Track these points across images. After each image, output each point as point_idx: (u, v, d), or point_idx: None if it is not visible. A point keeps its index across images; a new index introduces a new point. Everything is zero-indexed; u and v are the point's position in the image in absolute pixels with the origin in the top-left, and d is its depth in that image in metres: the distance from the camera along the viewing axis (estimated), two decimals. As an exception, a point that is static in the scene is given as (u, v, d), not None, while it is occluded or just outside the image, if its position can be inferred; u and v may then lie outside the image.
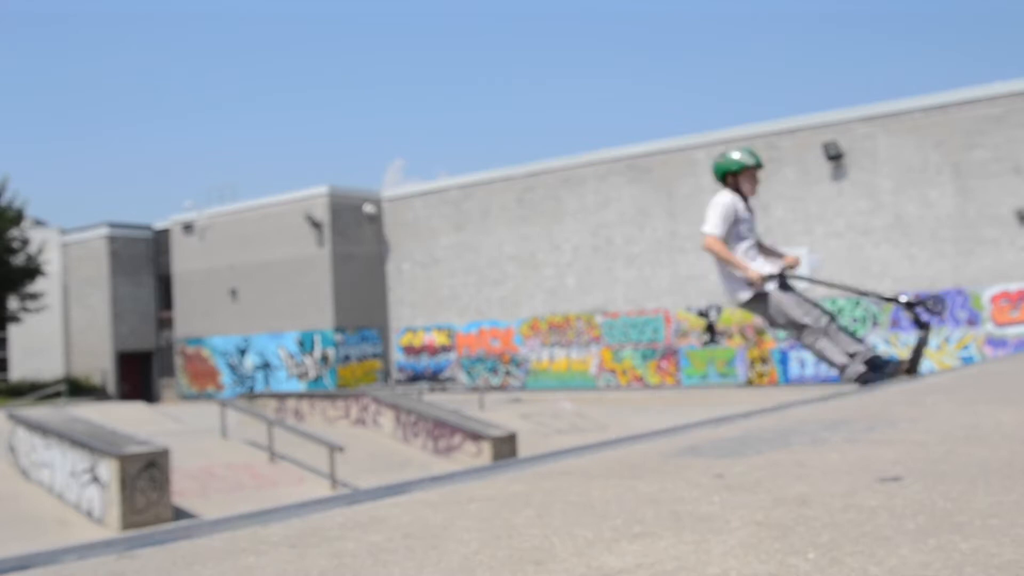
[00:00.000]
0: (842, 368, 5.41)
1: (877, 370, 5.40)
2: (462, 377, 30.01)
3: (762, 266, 5.71)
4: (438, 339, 30.88)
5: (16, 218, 33.34)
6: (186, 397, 34.37)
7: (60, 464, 11.93)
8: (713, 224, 5.61)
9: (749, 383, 24.88)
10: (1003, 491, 1.73)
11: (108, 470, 10.84)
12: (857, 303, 23.61)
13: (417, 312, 31.38)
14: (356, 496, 2.29)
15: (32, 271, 33.48)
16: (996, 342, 21.85)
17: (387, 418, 16.80)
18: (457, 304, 30.45)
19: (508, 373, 29.24)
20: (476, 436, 14.90)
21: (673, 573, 1.25)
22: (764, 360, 24.86)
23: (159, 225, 37.44)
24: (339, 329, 30.85)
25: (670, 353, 26.35)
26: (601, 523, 1.61)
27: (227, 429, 15.62)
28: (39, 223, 37.87)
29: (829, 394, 4.92)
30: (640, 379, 26.77)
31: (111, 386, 36.12)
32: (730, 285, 5.76)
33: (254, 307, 32.78)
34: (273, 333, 32.31)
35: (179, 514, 11.02)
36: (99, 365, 36.46)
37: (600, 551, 1.40)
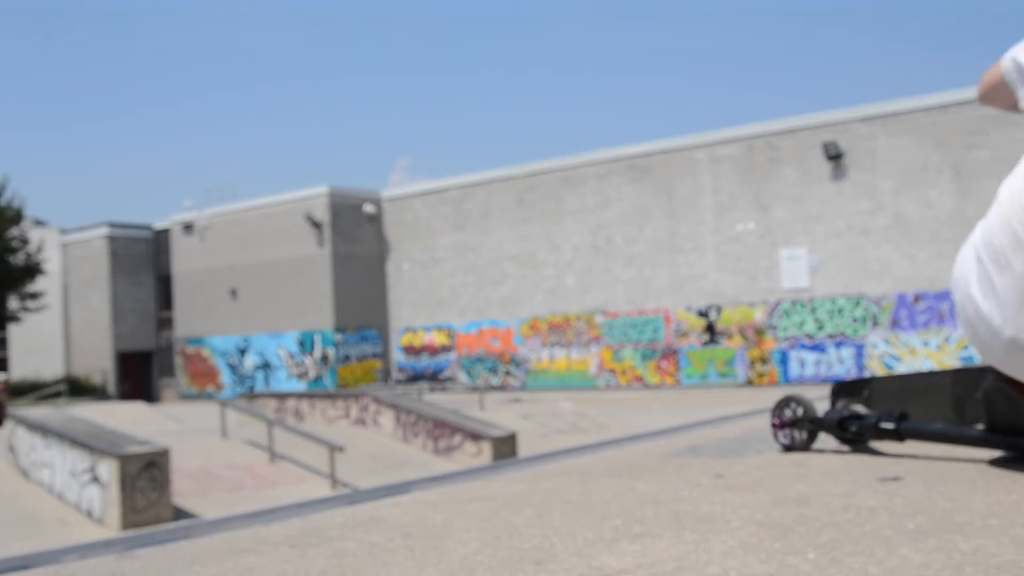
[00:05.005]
0: None
1: None
2: (462, 377, 30.01)
3: None
4: (438, 339, 30.88)
5: (15, 217, 33.34)
6: (186, 397, 34.37)
7: (60, 464, 11.93)
8: None
9: (749, 383, 24.88)
10: (1003, 491, 1.73)
11: (108, 470, 10.84)
12: (857, 303, 23.61)
13: (417, 312, 31.38)
14: (356, 496, 2.29)
15: (32, 270, 33.47)
16: (996, 342, 21.82)
17: (387, 418, 16.79)
18: (457, 304, 30.45)
19: (508, 373, 29.24)
20: (476, 436, 14.90)
21: (673, 573, 1.25)
22: (764, 360, 24.85)
23: (159, 225, 37.44)
24: (339, 329, 30.84)
25: (670, 353, 26.35)
26: (601, 523, 1.61)
27: (227, 429, 15.61)
28: (39, 223, 37.88)
29: (829, 394, 4.91)
30: (640, 379, 26.76)
31: (111, 386, 36.11)
32: None
33: (254, 307, 32.78)
34: (273, 333, 32.31)
35: (179, 514, 11.01)
36: (99, 365, 36.45)
37: (600, 551, 1.40)
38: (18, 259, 33.20)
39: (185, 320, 35.02)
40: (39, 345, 38.24)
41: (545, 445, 13.54)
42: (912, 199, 22.93)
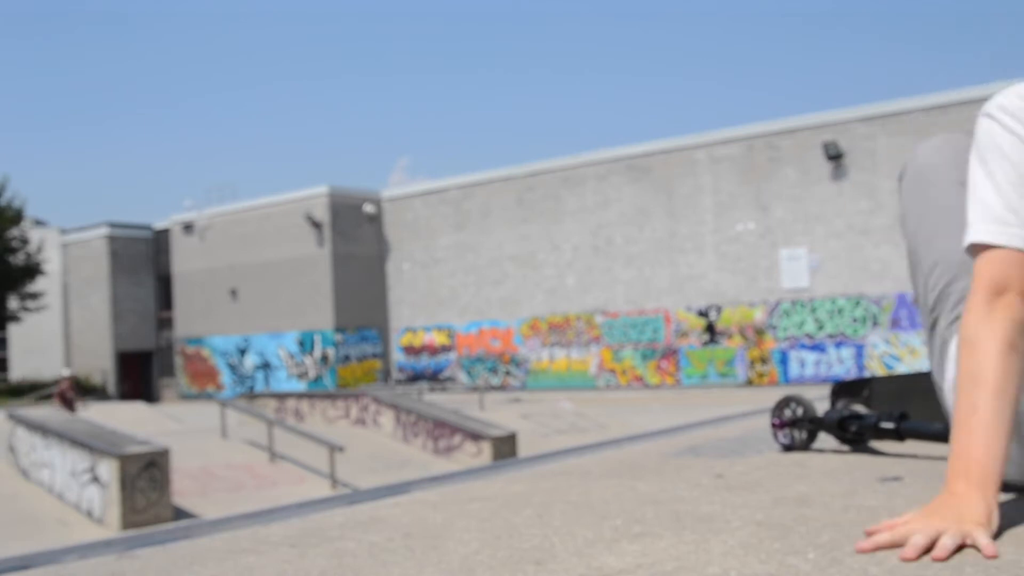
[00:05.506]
0: None
1: None
2: (462, 377, 30.01)
3: None
4: (438, 339, 30.87)
5: (16, 218, 33.36)
6: (186, 397, 34.37)
7: (60, 464, 11.93)
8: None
9: (749, 383, 24.88)
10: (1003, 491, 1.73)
11: (108, 470, 10.85)
12: (857, 303, 23.60)
13: (417, 312, 31.38)
14: (356, 496, 2.29)
15: (32, 270, 33.49)
16: (996, 342, 21.83)
17: (387, 418, 16.80)
18: (457, 304, 30.45)
19: (508, 373, 29.24)
20: (476, 436, 14.90)
21: (673, 573, 1.25)
22: (764, 360, 24.85)
23: (159, 225, 37.44)
24: (339, 329, 30.84)
25: (670, 353, 26.35)
26: (601, 523, 1.61)
27: (227, 429, 15.62)
28: (39, 223, 37.89)
29: (829, 394, 4.92)
30: (640, 379, 26.76)
31: (111, 386, 36.12)
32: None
33: (254, 307, 32.78)
34: (273, 333, 32.31)
35: (179, 514, 11.02)
36: (99, 365, 36.45)
37: (600, 551, 1.40)
38: (18, 259, 33.22)
39: (185, 320, 35.02)
40: (39, 345, 38.24)
41: (545, 445, 13.54)
42: (912, 199, 22.91)
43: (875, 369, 23.35)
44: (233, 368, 33.52)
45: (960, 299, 1.68)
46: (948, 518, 1.29)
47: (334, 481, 12.74)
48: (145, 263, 37.55)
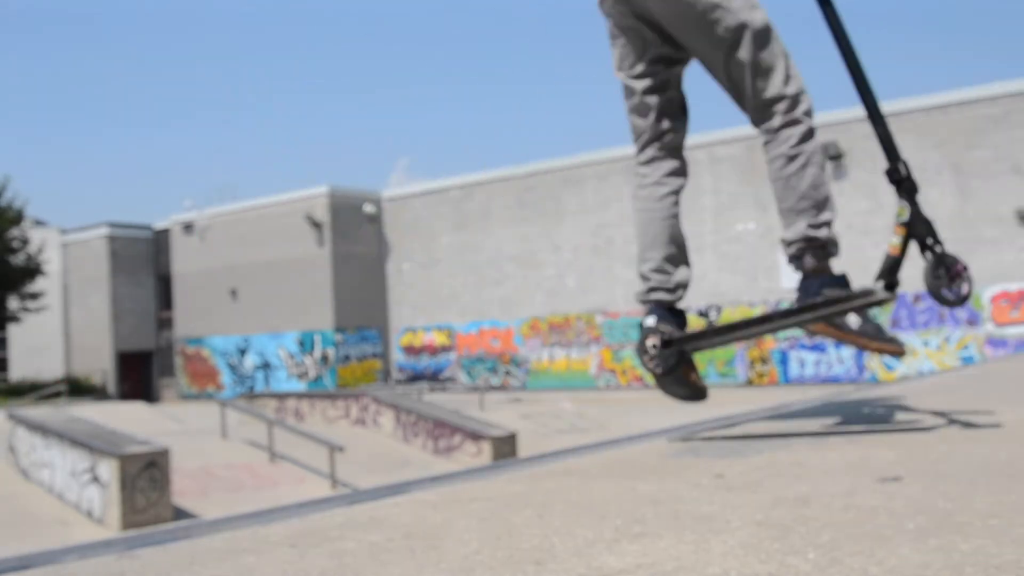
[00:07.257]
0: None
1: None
2: (462, 377, 30.01)
3: None
4: (438, 339, 30.88)
5: (16, 218, 33.37)
6: (186, 397, 34.37)
7: (60, 464, 11.94)
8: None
9: (749, 383, 24.88)
10: (1003, 491, 1.73)
11: (108, 470, 10.85)
12: (857, 303, 23.61)
13: (417, 312, 31.38)
14: (356, 496, 2.29)
15: (32, 271, 33.50)
16: (996, 342, 21.84)
17: (387, 418, 16.80)
18: (457, 304, 30.45)
19: (508, 373, 29.24)
20: (476, 436, 14.91)
21: (673, 573, 1.25)
22: (764, 360, 24.85)
23: (159, 225, 37.45)
24: (339, 329, 30.85)
25: (670, 353, 26.35)
26: (601, 523, 1.61)
27: (227, 429, 15.62)
28: (39, 223, 37.89)
29: (829, 394, 4.92)
30: (640, 379, 26.76)
31: (111, 386, 36.12)
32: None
33: (254, 307, 32.78)
34: (273, 333, 32.31)
35: (179, 514, 11.03)
36: (99, 365, 36.46)
37: (600, 551, 1.40)
38: (19, 259, 33.22)
39: (185, 320, 35.03)
40: (39, 345, 38.24)
41: (545, 445, 13.55)
42: (912, 199, 22.91)
43: (875, 369, 23.35)
44: (233, 368, 33.52)
45: None
46: None
47: (334, 481, 12.75)
48: (145, 263, 37.55)
